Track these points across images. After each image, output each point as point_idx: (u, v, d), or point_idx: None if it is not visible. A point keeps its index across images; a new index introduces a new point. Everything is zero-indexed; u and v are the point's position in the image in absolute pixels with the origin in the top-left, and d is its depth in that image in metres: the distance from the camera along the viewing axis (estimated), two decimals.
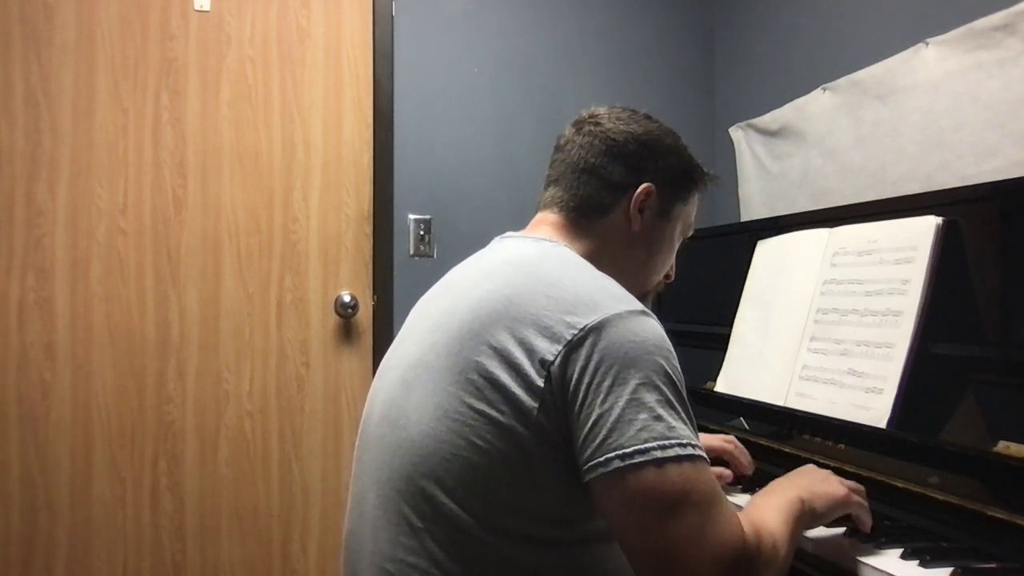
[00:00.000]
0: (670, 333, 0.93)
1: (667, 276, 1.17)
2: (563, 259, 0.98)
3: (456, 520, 0.87)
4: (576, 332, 0.86)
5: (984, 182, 1.43)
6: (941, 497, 1.06)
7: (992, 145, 1.55)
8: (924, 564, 0.96)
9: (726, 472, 1.33)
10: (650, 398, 0.83)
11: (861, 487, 1.07)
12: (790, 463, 1.35)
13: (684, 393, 0.88)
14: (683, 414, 0.86)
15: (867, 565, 0.98)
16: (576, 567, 0.91)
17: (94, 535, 2.14)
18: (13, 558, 2.08)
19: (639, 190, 1.06)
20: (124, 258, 2.17)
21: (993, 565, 0.95)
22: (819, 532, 1.07)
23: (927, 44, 1.71)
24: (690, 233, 1.18)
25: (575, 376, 0.85)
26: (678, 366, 0.89)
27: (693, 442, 0.84)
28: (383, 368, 1.06)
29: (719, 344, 1.68)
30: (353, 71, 2.33)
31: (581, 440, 0.84)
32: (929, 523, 1.07)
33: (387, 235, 2.35)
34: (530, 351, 0.86)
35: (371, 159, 2.34)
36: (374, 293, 2.33)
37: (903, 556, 0.98)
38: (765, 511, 0.94)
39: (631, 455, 0.81)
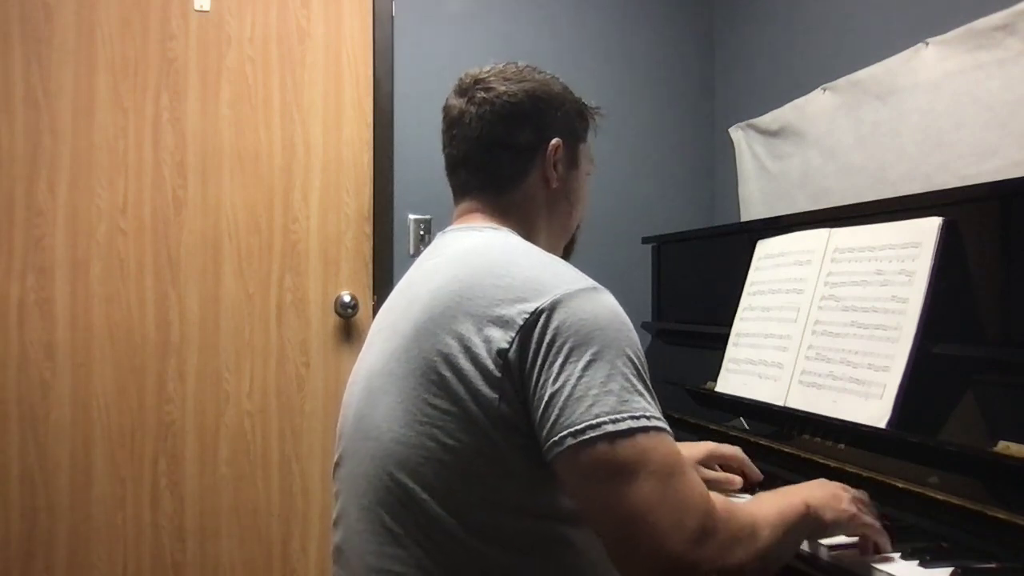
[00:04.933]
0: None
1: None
2: (507, 246, 0.98)
3: (438, 523, 0.88)
4: (528, 316, 0.86)
5: (984, 182, 1.43)
6: (941, 497, 1.05)
7: (992, 145, 1.55)
8: (924, 564, 0.96)
9: (736, 478, 1.31)
10: (601, 373, 0.83)
11: (868, 502, 1.04)
12: (790, 463, 1.35)
13: (640, 365, 0.87)
14: (638, 385, 0.85)
15: (867, 564, 0.98)
16: (560, 564, 0.91)
17: (94, 535, 2.14)
18: (13, 558, 2.08)
19: (550, 148, 1.05)
20: (124, 258, 2.17)
21: (993, 565, 0.95)
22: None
23: (927, 44, 1.71)
24: (593, 167, 1.17)
25: (528, 359, 0.85)
26: (633, 338, 0.88)
27: (648, 413, 0.83)
28: (351, 381, 1.06)
29: (719, 344, 1.68)
30: (353, 71, 2.33)
31: (537, 422, 0.85)
32: (929, 523, 1.07)
33: (387, 235, 2.35)
34: (486, 342, 0.87)
35: (371, 159, 2.34)
36: (374, 293, 2.33)
37: (903, 556, 0.98)
38: (756, 501, 0.95)
39: (583, 431, 0.81)
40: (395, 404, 0.92)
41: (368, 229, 2.34)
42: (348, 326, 2.32)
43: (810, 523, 0.95)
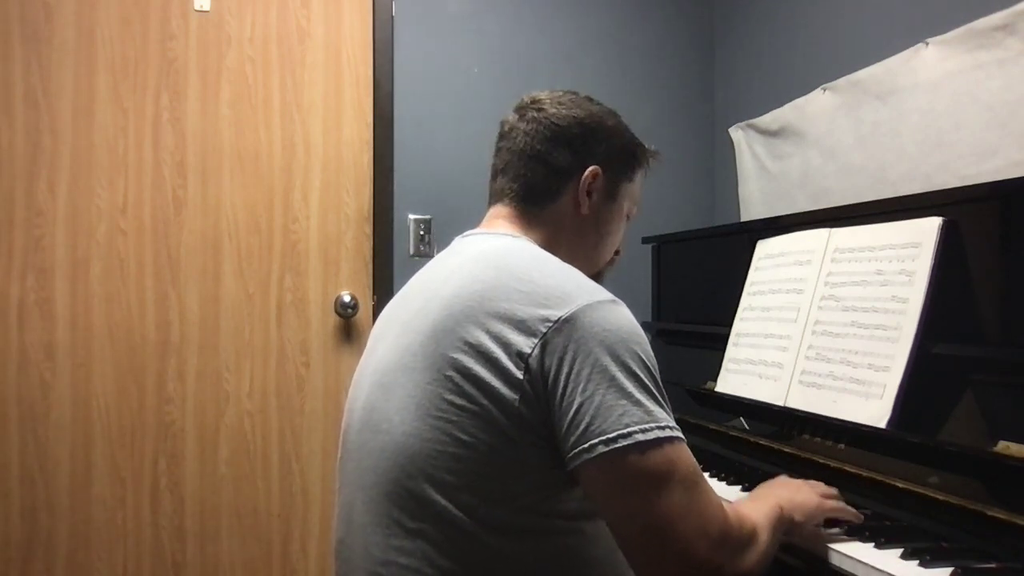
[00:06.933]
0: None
1: (616, 252, 1.18)
2: (528, 252, 1.00)
3: (448, 516, 0.88)
4: (551, 324, 0.88)
5: (984, 182, 1.43)
6: (941, 497, 1.06)
7: (992, 145, 1.55)
8: (924, 564, 0.96)
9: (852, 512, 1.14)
10: (628, 384, 0.86)
11: (834, 491, 1.11)
12: (790, 463, 1.35)
13: (658, 377, 0.91)
14: (660, 398, 0.89)
15: (867, 565, 0.98)
16: (567, 558, 0.92)
17: (94, 535, 2.14)
18: (13, 558, 2.08)
19: (586, 173, 1.08)
20: (124, 258, 2.17)
21: (993, 565, 0.95)
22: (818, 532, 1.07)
23: (927, 44, 1.71)
24: (636, 210, 1.18)
25: (553, 367, 0.87)
26: (651, 352, 0.92)
27: (671, 424, 0.87)
28: (358, 377, 1.07)
29: (719, 344, 1.68)
30: (353, 71, 2.33)
31: (565, 428, 0.86)
32: (929, 523, 1.07)
33: (387, 235, 2.35)
34: (506, 345, 0.88)
35: (371, 159, 2.34)
36: (374, 293, 2.33)
37: (903, 556, 0.98)
38: (748, 506, 0.98)
39: (614, 439, 0.84)
40: (408, 398, 0.93)
41: (368, 229, 2.34)
42: (348, 326, 2.32)
43: (785, 524, 1.00)
